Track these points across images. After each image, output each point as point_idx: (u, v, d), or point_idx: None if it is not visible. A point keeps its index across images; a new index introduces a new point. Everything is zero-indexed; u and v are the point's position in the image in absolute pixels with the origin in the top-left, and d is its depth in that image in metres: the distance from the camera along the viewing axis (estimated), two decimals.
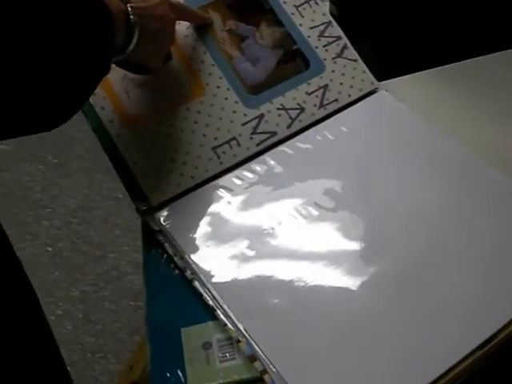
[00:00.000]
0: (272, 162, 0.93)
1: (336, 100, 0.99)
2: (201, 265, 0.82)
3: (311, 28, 1.02)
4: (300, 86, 0.99)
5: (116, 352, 1.92)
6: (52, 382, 0.99)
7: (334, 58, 1.02)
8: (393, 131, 0.97)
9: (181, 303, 0.81)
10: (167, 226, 0.86)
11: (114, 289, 2.08)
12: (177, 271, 0.84)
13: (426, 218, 0.86)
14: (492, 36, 1.15)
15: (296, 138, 0.95)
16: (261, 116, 0.95)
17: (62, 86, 0.69)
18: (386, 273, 0.80)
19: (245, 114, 0.95)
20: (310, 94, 0.98)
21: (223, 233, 0.86)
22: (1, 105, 0.64)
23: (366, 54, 1.06)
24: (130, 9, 0.79)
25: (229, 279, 0.81)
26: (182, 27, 0.97)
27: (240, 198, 0.89)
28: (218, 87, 0.96)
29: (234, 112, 0.95)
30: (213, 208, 0.89)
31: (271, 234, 0.85)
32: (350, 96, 1.00)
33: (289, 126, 0.96)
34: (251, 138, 0.94)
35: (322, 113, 0.98)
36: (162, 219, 0.87)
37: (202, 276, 0.81)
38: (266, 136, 0.95)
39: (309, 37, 1.02)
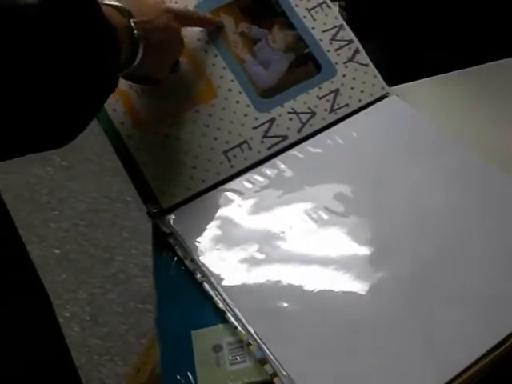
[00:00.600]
0: (283, 166, 0.93)
1: (347, 105, 0.99)
2: (211, 268, 0.82)
3: (323, 31, 1.02)
4: (311, 90, 0.99)
5: (123, 355, 1.92)
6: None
7: (345, 62, 1.02)
8: (403, 136, 0.97)
9: (191, 306, 0.81)
10: (178, 229, 0.87)
11: (122, 291, 2.08)
12: (187, 274, 0.84)
13: (437, 223, 0.86)
14: (504, 42, 1.15)
15: (307, 142, 0.96)
16: (272, 120, 0.96)
17: (68, 105, 0.68)
18: (396, 277, 0.80)
19: (256, 118, 0.95)
20: (321, 99, 0.98)
21: (234, 236, 0.86)
22: (8, 125, 0.64)
23: (375, 58, 1.06)
24: (133, 23, 0.79)
25: (239, 282, 0.81)
26: (194, 30, 0.97)
27: (250, 202, 0.89)
28: (230, 90, 0.96)
29: (246, 115, 0.95)
30: (223, 211, 0.89)
31: (281, 238, 0.85)
32: (360, 101, 1.00)
33: (299, 130, 0.96)
34: (262, 142, 0.94)
35: (333, 117, 0.98)
36: (172, 222, 0.87)
37: (212, 279, 0.81)
38: (277, 140, 0.95)
39: (321, 40, 1.02)
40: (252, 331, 0.76)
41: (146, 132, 0.92)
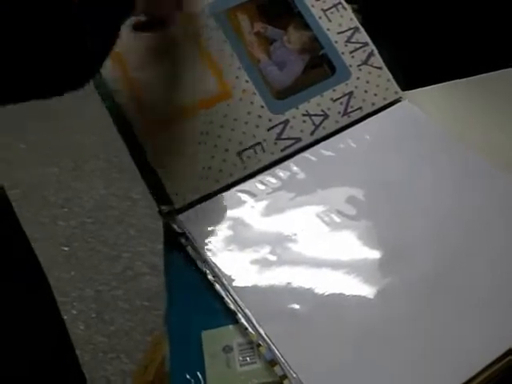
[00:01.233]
0: (295, 168, 0.93)
1: (360, 108, 0.99)
2: (222, 268, 0.82)
3: (338, 33, 1.02)
4: (325, 92, 0.99)
5: (129, 352, 1.93)
6: (66, 382, 1.00)
7: (359, 65, 1.01)
8: (415, 141, 0.97)
9: (202, 306, 0.81)
10: (190, 229, 0.87)
11: (128, 289, 2.08)
12: (198, 274, 0.84)
13: (447, 227, 0.86)
14: None
15: (320, 145, 0.95)
16: (286, 122, 0.96)
17: (89, 29, 0.68)
18: (406, 281, 0.80)
19: (270, 119, 0.95)
20: (334, 101, 0.98)
21: (246, 237, 0.86)
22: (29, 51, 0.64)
23: (388, 62, 1.06)
24: None
25: (250, 283, 0.81)
26: (210, 30, 0.97)
27: (263, 203, 0.89)
28: (244, 91, 0.96)
29: (260, 117, 0.95)
30: (236, 212, 0.89)
31: (293, 240, 0.85)
32: (373, 104, 1.00)
33: (312, 133, 0.96)
34: (276, 144, 0.94)
35: (346, 120, 0.98)
36: (184, 222, 0.87)
37: (223, 279, 0.81)
38: (290, 142, 0.95)
39: (336, 42, 1.02)
40: (262, 332, 0.76)
41: (161, 133, 0.92)
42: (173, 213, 0.89)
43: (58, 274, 2.13)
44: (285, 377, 0.73)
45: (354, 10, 1.45)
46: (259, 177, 0.92)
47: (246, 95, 0.96)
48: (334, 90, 0.99)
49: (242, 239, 0.86)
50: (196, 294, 0.83)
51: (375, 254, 0.83)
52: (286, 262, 0.83)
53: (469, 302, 0.77)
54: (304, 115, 0.97)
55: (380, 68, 1.03)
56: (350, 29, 1.03)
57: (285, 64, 0.98)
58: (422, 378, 0.72)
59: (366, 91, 1.00)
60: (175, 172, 0.90)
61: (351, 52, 1.02)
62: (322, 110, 0.97)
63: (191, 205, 0.89)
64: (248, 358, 0.76)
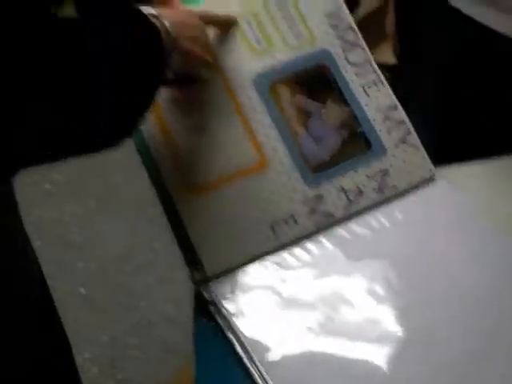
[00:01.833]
0: (327, 244, 0.94)
1: (394, 186, 1.00)
2: (250, 340, 0.83)
3: (376, 110, 1.04)
4: (360, 168, 1.00)
5: None
6: None
7: (396, 143, 1.03)
8: (449, 222, 0.98)
9: (229, 376, 0.82)
10: (219, 298, 0.87)
11: (143, 338, 2.08)
12: (226, 344, 0.84)
13: (480, 311, 0.86)
14: None
15: (353, 222, 0.96)
16: (320, 196, 0.97)
17: (124, 100, 0.73)
18: (436, 363, 0.81)
19: (304, 193, 0.96)
20: (369, 178, 0.99)
21: (275, 309, 0.87)
22: (70, 117, 0.67)
23: (422, 137, 1.07)
24: (167, 23, 0.83)
25: (278, 358, 0.82)
26: (252, 99, 0.99)
27: (293, 276, 0.90)
28: (281, 163, 0.97)
29: (295, 189, 0.96)
30: (266, 284, 0.90)
31: (322, 315, 0.86)
32: (408, 183, 1.01)
33: (346, 208, 0.97)
34: (309, 218, 0.95)
35: (380, 197, 0.99)
36: (215, 290, 0.88)
37: (251, 351, 0.82)
38: (323, 216, 0.96)
39: (373, 119, 1.03)
40: None
41: (198, 198, 0.93)
42: (204, 280, 0.89)
43: (74, 316, 2.13)
44: None
45: (387, 78, 1.47)
46: (291, 249, 0.93)
47: (283, 167, 0.97)
48: (369, 167, 1.00)
49: (271, 311, 0.87)
50: (223, 364, 0.83)
51: (404, 334, 0.83)
52: (314, 337, 0.84)
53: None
54: (338, 190, 0.98)
55: (416, 147, 1.04)
56: (388, 106, 1.05)
57: (322, 138, 1.00)
58: None
59: (400, 169, 1.01)
60: (209, 239, 0.92)
61: (388, 129, 1.03)
62: (357, 186, 0.98)
63: (222, 273, 0.90)
64: None
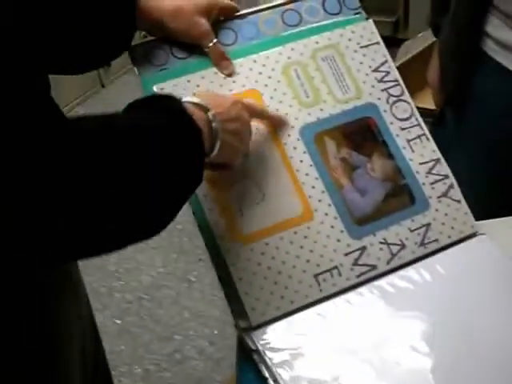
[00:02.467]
0: (370, 296, 0.95)
1: (436, 240, 1.02)
2: None
3: (420, 164, 1.06)
4: (404, 221, 1.02)
5: None
6: None
7: (439, 197, 1.04)
8: (490, 278, 1.00)
9: None
10: (263, 347, 0.89)
11: (177, 372, 2.10)
12: None
13: None
14: None
15: (395, 275, 0.98)
16: (363, 248, 0.98)
17: (161, 200, 0.76)
18: None
19: (348, 245, 0.98)
20: (412, 231, 1.01)
21: (318, 359, 0.88)
22: (101, 220, 0.70)
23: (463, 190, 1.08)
24: (211, 117, 0.85)
25: None
26: (298, 152, 1.01)
27: (336, 327, 0.92)
28: (326, 214, 0.99)
29: (339, 241, 0.98)
30: (309, 334, 0.91)
31: (363, 366, 0.87)
32: (450, 237, 1.03)
33: (389, 262, 0.99)
34: (352, 269, 0.97)
35: (422, 251, 1.01)
36: (259, 339, 0.90)
37: None
38: (366, 268, 0.98)
39: (417, 173, 1.05)
40: None
41: (243, 248, 0.95)
42: (248, 328, 0.91)
43: (109, 347, 2.15)
44: None
45: (427, 123, 1.49)
46: (334, 300, 0.95)
47: (328, 219, 0.99)
48: (412, 221, 1.02)
49: (314, 361, 0.88)
50: None
51: None
52: None
53: None
54: (381, 243, 0.99)
55: (459, 201, 1.05)
56: (432, 160, 1.07)
57: (366, 191, 1.02)
58: None
59: (443, 223, 1.03)
60: (253, 288, 0.94)
61: (432, 183, 1.05)
62: (400, 240, 1.00)
63: (266, 323, 0.92)
64: None
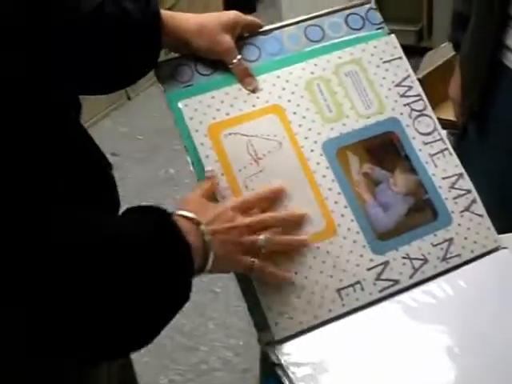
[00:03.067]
0: (392, 310, 0.96)
1: (459, 255, 1.02)
2: None
3: (443, 178, 1.06)
4: (426, 236, 1.02)
5: None
6: None
7: (461, 212, 1.05)
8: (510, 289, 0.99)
9: None
10: (286, 362, 0.90)
11: (202, 382, 2.11)
12: None
13: None
14: None
15: (417, 289, 0.99)
16: (386, 263, 0.99)
17: (143, 316, 0.77)
18: None
19: (371, 260, 0.99)
20: (435, 246, 1.02)
21: (341, 374, 0.89)
22: (83, 328, 0.73)
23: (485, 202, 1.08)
24: (203, 228, 0.86)
25: None
26: (320, 166, 1.02)
27: (359, 341, 0.93)
28: (349, 229, 1.00)
29: (361, 256, 0.99)
30: (332, 349, 0.92)
31: (387, 378, 0.88)
32: (472, 252, 1.03)
33: (411, 276, 0.99)
34: (374, 284, 0.98)
35: (444, 266, 1.01)
36: (282, 354, 0.91)
37: None
38: (388, 283, 0.98)
39: (440, 187, 1.05)
40: None
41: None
42: (271, 342, 0.92)
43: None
44: None
45: (452, 134, 1.49)
46: (356, 315, 0.96)
47: (350, 234, 1.00)
48: (435, 235, 1.02)
49: (338, 375, 0.89)
50: None
51: None
52: None
53: None
54: (404, 258, 1.00)
55: (481, 216, 1.06)
56: (455, 175, 1.07)
57: (389, 206, 1.02)
58: None
59: (466, 238, 1.03)
60: (277, 303, 0.94)
61: (454, 198, 1.05)
62: (422, 254, 1.01)
63: (289, 337, 0.93)
64: None
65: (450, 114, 1.61)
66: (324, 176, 1.02)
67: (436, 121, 1.10)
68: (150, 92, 3.52)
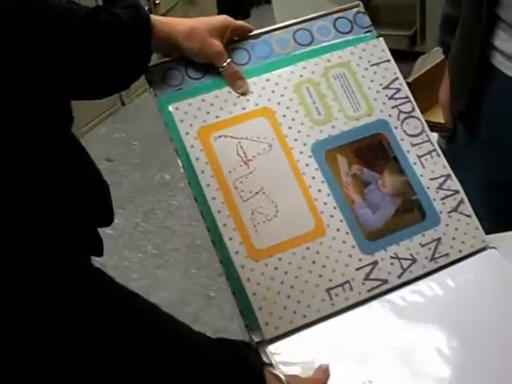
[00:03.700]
0: (381, 310, 0.97)
1: (447, 254, 1.03)
2: None
3: (431, 179, 1.07)
4: (415, 236, 1.03)
5: None
6: None
7: (449, 212, 1.06)
8: (501, 291, 1.01)
9: None
10: (277, 360, 0.91)
11: None
12: None
13: None
14: None
15: (406, 289, 1.00)
16: (375, 263, 1.00)
17: None
18: None
19: (360, 259, 1.00)
20: (423, 246, 1.03)
21: (331, 373, 0.90)
22: None
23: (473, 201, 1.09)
24: None
25: None
26: (309, 168, 1.03)
27: (348, 340, 0.94)
28: (338, 230, 1.01)
29: (350, 256, 1.00)
30: (322, 348, 0.93)
31: (376, 376, 0.90)
32: (460, 251, 1.04)
33: (400, 276, 1.00)
34: (363, 284, 0.99)
35: (433, 266, 1.02)
36: (272, 353, 0.92)
37: None
38: (377, 283, 0.99)
39: (428, 188, 1.06)
40: None
41: (257, 263, 0.97)
42: (261, 342, 0.93)
43: None
44: None
45: (442, 137, 1.50)
46: (345, 314, 0.97)
47: (339, 234, 1.01)
48: (423, 235, 1.04)
49: None
50: None
51: None
52: None
53: None
54: (392, 258, 1.01)
55: (469, 216, 1.07)
56: (443, 176, 1.08)
57: (378, 207, 1.03)
58: None
59: (454, 238, 1.05)
60: (266, 303, 0.95)
61: (442, 199, 1.06)
62: (411, 254, 1.02)
63: (279, 337, 0.94)
64: None
65: (440, 118, 1.62)
66: (313, 177, 1.03)
67: (424, 122, 1.11)
68: (145, 98, 3.54)
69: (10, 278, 0.66)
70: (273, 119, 1.05)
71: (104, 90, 1.03)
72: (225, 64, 1.05)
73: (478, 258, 1.05)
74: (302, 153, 1.04)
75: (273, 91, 1.07)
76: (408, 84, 1.14)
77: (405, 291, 0.99)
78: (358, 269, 0.99)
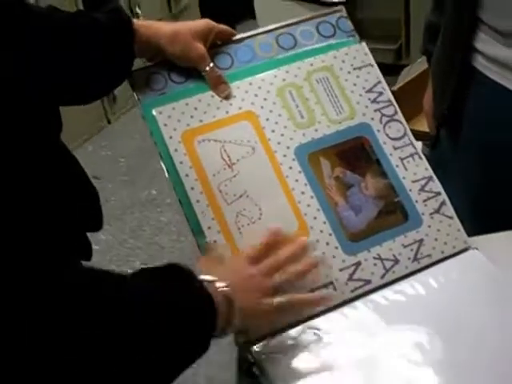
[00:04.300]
0: (364, 309, 0.98)
1: (429, 255, 1.04)
2: None
3: (413, 181, 1.08)
4: (397, 237, 1.04)
5: None
6: None
7: (431, 214, 1.07)
8: (482, 291, 1.01)
9: None
10: (262, 360, 0.91)
11: None
12: None
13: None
14: None
15: (389, 289, 1.00)
16: (358, 264, 1.01)
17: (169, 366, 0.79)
18: None
19: (343, 260, 1.00)
20: (405, 247, 1.03)
21: (315, 370, 0.90)
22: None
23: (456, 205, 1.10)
24: (229, 290, 0.86)
25: None
26: (292, 171, 1.04)
27: (332, 340, 0.94)
28: (321, 231, 1.02)
29: (334, 257, 1.00)
30: (306, 347, 0.93)
31: (359, 379, 0.90)
32: (442, 252, 1.05)
33: (383, 276, 1.01)
34: (346, 284, 0.99)
35: (415, 266, 1.03)
36: (258, 352, 0.92)
37: None
38: (360, 283, 1.00)
39: (410, 190, 1.07)
40: None
41: None
42: (247, 342, 0.93)
43: None
44: None
45: (426, 146, 1.51)
46: (329, 315, 0.97)
47: (323, 236, 1.01)
48: (405, 236, 1.04)
49: (311, 373, 0.91)
50: None
51: None
52: None
53: None
54: (375, 258, 1.02)
55: (451, 217, 1.08)
56: (424, 178, 1.09)
57: (360, 209, 1.04)
58: None
59: (436, 239, 1.05)
60: None
61: (424, 200, 1.07)
62: (394, 255, 1.02)
63: (265, 336, 0.94)
64: None
65: (424, 126, 1.63)
66: (297, 180, 1.04)
67: (406, 126, 1.12)
68: (130, 115, 3.54)
69: (7, 280, 0.66)
70: (256, 123, 1.06)
71: (88, 94, 1.04)
72: (207, 68, 1.06)
73: (460, 258, 1.05)
74: (285, 156, 1.05)
75: (256, 95, 1.07)
76: (392, 93, 1.14)
77: (388, 291, 1.00)
78: (341, 269, 1.00)
